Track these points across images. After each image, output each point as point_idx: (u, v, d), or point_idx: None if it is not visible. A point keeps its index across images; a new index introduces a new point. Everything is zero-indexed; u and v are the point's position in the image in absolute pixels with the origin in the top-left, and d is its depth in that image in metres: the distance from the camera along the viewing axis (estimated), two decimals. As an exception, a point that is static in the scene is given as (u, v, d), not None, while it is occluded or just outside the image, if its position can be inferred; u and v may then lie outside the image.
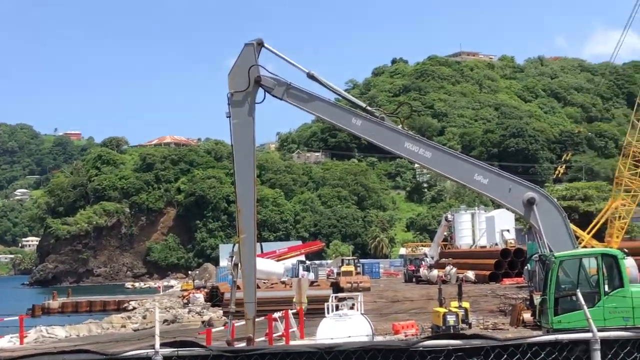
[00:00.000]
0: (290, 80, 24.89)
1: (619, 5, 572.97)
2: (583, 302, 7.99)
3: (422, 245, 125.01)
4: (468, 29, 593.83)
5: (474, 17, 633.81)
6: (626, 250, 23.63)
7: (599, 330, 6.90)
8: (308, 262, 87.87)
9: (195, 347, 6.43)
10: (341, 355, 6.34)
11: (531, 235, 30.75)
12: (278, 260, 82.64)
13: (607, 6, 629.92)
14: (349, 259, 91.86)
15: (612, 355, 6.81)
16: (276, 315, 32.91)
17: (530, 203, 25.16)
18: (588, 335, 6.78)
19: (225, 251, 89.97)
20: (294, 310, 34.13)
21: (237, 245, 24.27)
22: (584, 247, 54.27)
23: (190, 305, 63.86)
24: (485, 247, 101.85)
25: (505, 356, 6.63)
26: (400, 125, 26.46)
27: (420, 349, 6.56)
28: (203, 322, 46.11)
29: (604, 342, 6.79)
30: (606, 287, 21.80)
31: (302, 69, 25.13)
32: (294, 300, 37.12)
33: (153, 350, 6.37)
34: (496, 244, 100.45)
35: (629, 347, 6.83)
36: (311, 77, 25.25)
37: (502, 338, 6.77)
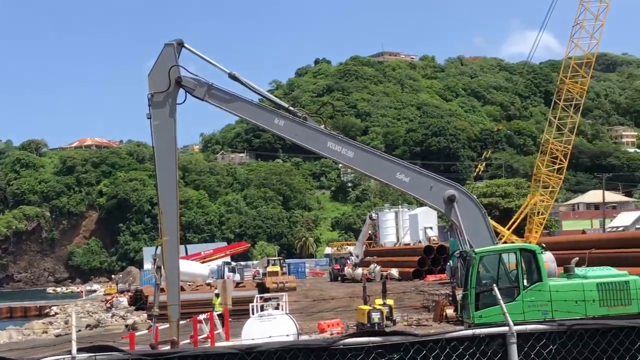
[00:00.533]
0: (211, 81, 24.76)
1: (535, 6, 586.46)
2: (499, 297, 8.14)
3: (348, 244, 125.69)
4: (389, 29, 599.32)
5: (395, 18, 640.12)
6: (544, 245, 24.20)
7: (518, 324, 7.04)
8: (234, 264, 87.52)
9: (114, 352, 6.32)
10: (262, 356, 6.32)
11: (453, 232, 31.32)
12: (203, 262, 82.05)
13: (523, 7, 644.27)
14: (274, 260, 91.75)
15: (529, 348, 6.94)
16: (201, 317, 32.67)
17: (450, 200, 25.57)
18: (505, 329, 6.90)
19: (149, 254, 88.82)
20: (219, 312, 33.94)
21: (160, 248, 24.02)
22: (504, 242, 55.37)
23: (113, 309, 62.93)
24: (409, 244, 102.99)
25: (424, 352, 6.71)
26: (323, 125, 26.58)
27: (341, 347, 6.58)
28: (127, 326, 45.51)
29: (521, 335, 6.92)
30: (525, 281, 22.27)
31: (224, 70, 25.03)
32: (213, 301, 37.00)
33: (70, 355, 6.24)
34: (419, 242, 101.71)
35: (544, 340, 6.98)
36: (233, 77, 25.16)
37: (421, 334, 6.84)
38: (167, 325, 23.91)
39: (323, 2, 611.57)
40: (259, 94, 26.47)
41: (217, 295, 37.28)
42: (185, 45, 24.82)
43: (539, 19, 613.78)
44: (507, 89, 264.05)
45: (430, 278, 71.66)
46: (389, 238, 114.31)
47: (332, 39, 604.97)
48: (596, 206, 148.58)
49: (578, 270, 23.31)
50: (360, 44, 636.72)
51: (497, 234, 56.23)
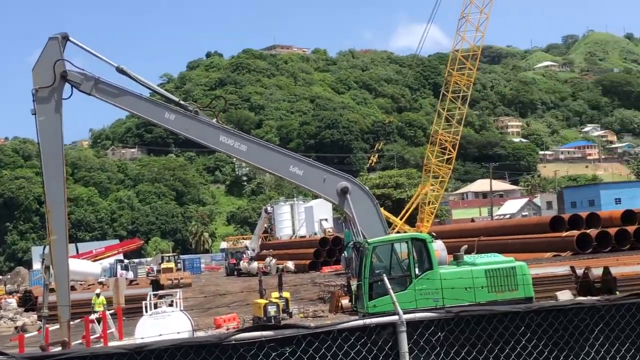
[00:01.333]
0: (98, 75, 24.21)
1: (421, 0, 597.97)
2: (389, 287, 8.26)
3: (243, 238, 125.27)
4: (281, 22, 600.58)
5: (287, 11, 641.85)
6: (434, 234, 24.69)
7: (409, 312, 7.15)
8: (127, 261, 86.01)
9: (-3, 357, 6.09)
10: (152, 355, 6.22)
11: (347, 224, 31.66)
12: (95, 261, 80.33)
13: (409, 1, 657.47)
14: (169, 256, 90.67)
15: (418, 335, 7.06)
16: (93, 316, 31.98)
17: (344, 192, 25.82)
18: (395, 318, 7.00)
19: (37, 253, 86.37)
20: (98, 313, 33.25)
21: (48, 247, 23.37)
22: (397, 232, 56.34)
23: (1, 311, 60.80)
24: (304, 237, 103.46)
25: (316, 344, 6.74)
26: (215, 119, 26.37)
27: (233, 342, 6.53)
28: (16, 328, 44.05)
29: (410, 323, 7.03)
30: (416, 270, 22.69)
31: (111, 63, 24.51)
32: (93, 301, 36.13)
33: (-52, 363, 5.99)
34: (315, 234, 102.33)
35: (433, 328, 7.11)
36: (121, 71, 24.68)
37: (313, 326, 6.87)
38: (57, 326, 23.28)
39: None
40: (148, 88, 26.03)
41: (98, 295, 36.39)
42: (71, 38, 24.19)
43: (425, 12, 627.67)
44: (398, 82, 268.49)
45: (326, 269, 72.18)
46: (284, 231, 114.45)
47: (224, 32, 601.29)
48: (484, 195, 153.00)
49: (467, 258, 23.91)
50: (252, 37, 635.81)
51: (389, 224, 57.19)
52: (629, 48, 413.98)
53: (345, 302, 34.20)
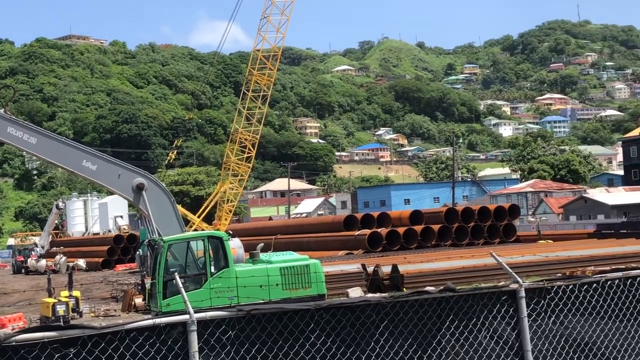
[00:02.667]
0: None
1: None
2: (180, 286, 8.17)
3: (33, 235, 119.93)
4: (78, 12, 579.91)
5: (83, 1, 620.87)
6: (231, 232, 24.74)
7: (202, 311, 7.10)
8: None
9: None
10: None
11: (143, 221, 31.11)
12: None
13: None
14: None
15: (209, 334, 7.03)
16: None
17: (139, 189, 25.34)
18: (185, 317, 6.93)
19: None
20: None
21: None
22: (195, 230, 55.98)
23: None
24: (98, 234, 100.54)
25: (103, 344, 6.54)
26: (3, 110, 25.04)
27: (13, 343, 6.21)
28: None
29: (201, 322, 6.98)
30: (212, 268, 22.64)
31: None
32: None
33: None
34: (110, 231, 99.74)
35: (224, 326, 7.10)
36: None
37: (99, 326, 6.65)
38: None
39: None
40: None
41: None
42: None
43: (225, 10, 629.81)
44: (199, 79, 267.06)
45: (120, 267, 70.55)
46: (77, 227, 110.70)
47: (15, 19, 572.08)
48: (282, 193, 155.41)
49: (263, 256, 24.14)
50: (46, 26, 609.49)
51: (187, 221, 56.73)
52: (420, 56, 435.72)
53: (138, 301, 33.52)
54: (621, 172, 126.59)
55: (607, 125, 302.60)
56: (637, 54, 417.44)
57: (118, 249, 76.83)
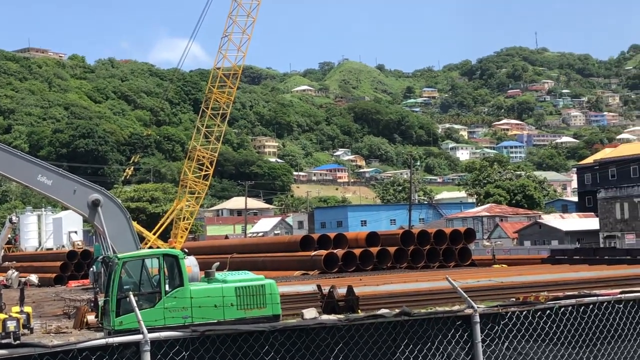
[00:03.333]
0: None
1: (181, 14, 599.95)
2: (135, 305, 8.10)
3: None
4: (36, 24, 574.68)
5: (43, 13, 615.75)
6: (187, 250, 24.55)
7: (156, 330, 7.03)
8: None
9: None
10: None
11: (98, 237, 30.73)
12: None
13: (170, 15, 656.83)
14: None
15: (162, 355, 6.96)
16: None
17: (95, 205, 25.07)
18: (139, 337, 6.85)
19: None
20: None
21: None
22: (150, 247, 55.48)
23: None
24: (51, 249, 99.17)
25: (53, 364, 6.45)
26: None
27: (-39, 362, 6.10)
28: None
29: (155, 342, 6.91)
30: (167, 286, 22.41)
31: None
32: None
33: None
34: (63, 246, 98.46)
35: (177, 347, 7.04)
36: None
37: (51, 344, 6.55)
38: None
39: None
40: None
41: None
42: None
43: (185, 27, 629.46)
44: (158, 95, 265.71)
45: (73, 284, 69.52)
46: (30, 242, 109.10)
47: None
48: (239, 212, 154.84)
49: (218, 275, 23.98)
50: (4, 38, 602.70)
51: (142, 239, 56.22)
52: (379, 79, 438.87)
53: (91, 318, 33.06)
54: (575, 199, 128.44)
55: (562, 151, 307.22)
56: (592, 82, 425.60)
57: (71, 265, 75.74)
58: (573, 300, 9.20)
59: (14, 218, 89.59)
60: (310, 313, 27.78)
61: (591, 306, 9.27)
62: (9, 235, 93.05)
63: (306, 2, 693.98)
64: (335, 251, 50.66)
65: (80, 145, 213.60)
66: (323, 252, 50.32)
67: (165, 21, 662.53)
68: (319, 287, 32.91)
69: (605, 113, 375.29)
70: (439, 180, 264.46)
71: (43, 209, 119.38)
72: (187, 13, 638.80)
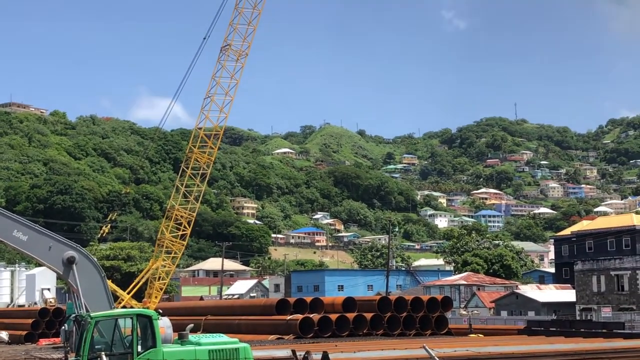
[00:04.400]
0: None
1: (162, 74, 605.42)
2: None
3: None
4: (19, 80, 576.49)
5: (26, 69, 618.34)
6: (161, 311, 24.24)
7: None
8: None
9: None
10: None
11: (72, 294, 30.39)
12: None
13: (150, 75, 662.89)
14: None
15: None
16: None
17: (70, 262, 24.83)
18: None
19: None
20: None
21: None
22: (124, 307, 54.78)
23: None
24: (23, 306, 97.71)
25: None
26: None
27: None
28: None
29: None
30: (140, 347, 22.07)
31: None
32: None
33: None
34: (35, 303, 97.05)
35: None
36: None
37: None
38: None
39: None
40: None
41: None
42: None
43: (165, 86, 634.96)
44: (138, 153, 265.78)
45: (44, 342, 68.31)
46: (2, 298, 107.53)
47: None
48: (215, 273, 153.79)
49: (192, 337, 23.65)
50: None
51: (116, 298, 55.57)
52: (360, 144, 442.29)
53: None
54: (552, 270, 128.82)
55: (540, 222, 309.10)
56: (570, 154, 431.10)
57: (43, 322, 74.51)
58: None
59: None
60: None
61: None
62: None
63: (289, 66, 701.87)
64: (311, 316, 50.20)
65: (58, 202, 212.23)
66: (299, 316, 49.85)
67: (144, 80, 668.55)
68: (293, 352, 32.50)
69: (583, 185, 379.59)
70: (416, 246, 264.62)
71: (17, 265, 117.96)
72: (166, 73, 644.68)
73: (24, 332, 72.39)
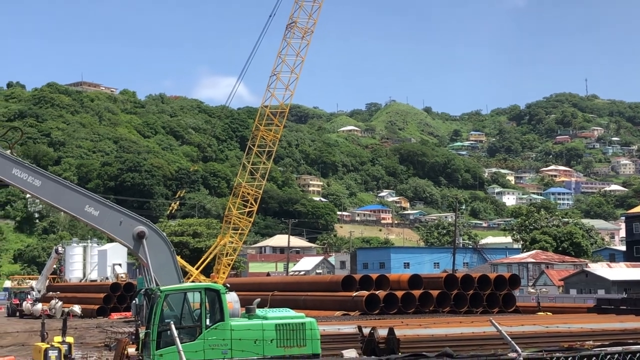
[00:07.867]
0: None
1: (223, 54, 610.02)
2: (176, 336, 8.10)
3: (30, 278, 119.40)
4: (90, 59, 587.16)
5: (97, 48, 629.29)
6: (228, 285, 24.57)
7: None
8: None
9: None
10: None
11: (142, 270, 30.93)
12: None
13: (211, 54, 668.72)
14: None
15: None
16: None
17: (140, 237, 25.27)
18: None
19: None
20: None
21: None
22: (192, 282, 55.65)
23: None
24: (95, 280, 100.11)
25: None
26: (10, 151, 25.16)
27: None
28: None
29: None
30: (208, 320, 22.42)
31: None
32: None
33: None
34: (107, 278, 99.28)
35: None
36: None
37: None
38: None
39: (21, 25, 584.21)
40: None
41: None
42: None
43: (226, 65, 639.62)
44: (206, 131, 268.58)
45: (115, 316, 70.06)
46: (75, 273, 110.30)
47: (27, 63, 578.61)
48: (281, 250, 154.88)
49: (259, 311, 23.93)
50: (58, 71, 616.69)
51: (185, 273, 56.46)
52: (426, 121, 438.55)
53: (131, 350, 33.15)
54: (623, 248, 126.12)
55: (611, 200, 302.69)
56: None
57: (114, 296, 76.43)
58: (620, 348, 8.99)
59: (59, 249, 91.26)
60: (350, 353, 27.58)
61: (638, 354, 9.05)
62: (55, 266, 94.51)
63: (354, 43, 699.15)
64: (377, 292, 50.29)
65: (128, 179, 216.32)
66: (365, 293, 49.99)
67: (204, 59, 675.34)
68: (359, 327, 32.62)
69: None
70: (484, 224, 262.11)
71: (89, 241, 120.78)
72: (227, 51, 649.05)
73: (96, 306, 74.42)
